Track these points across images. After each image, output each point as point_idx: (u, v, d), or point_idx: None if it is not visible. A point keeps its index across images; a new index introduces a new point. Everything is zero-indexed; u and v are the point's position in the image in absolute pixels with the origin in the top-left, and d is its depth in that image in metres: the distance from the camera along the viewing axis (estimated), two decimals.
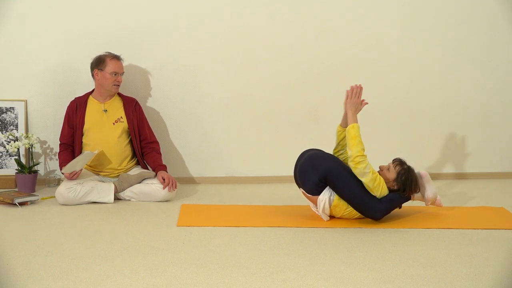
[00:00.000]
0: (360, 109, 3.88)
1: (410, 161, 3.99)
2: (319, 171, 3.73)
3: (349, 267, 3.04)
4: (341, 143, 4.02)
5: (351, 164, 3.72)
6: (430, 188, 3.98)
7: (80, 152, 4.48)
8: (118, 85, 4.48)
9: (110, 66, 4.43)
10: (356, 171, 3.70)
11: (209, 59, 4.95)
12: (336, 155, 4.05)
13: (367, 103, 3.91)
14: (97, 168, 4.49)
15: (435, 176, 5.03)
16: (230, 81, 5.00)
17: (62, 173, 4.33)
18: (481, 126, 5.22)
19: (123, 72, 4.51)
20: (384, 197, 3.77)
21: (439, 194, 4.32)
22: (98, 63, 4.45)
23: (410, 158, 4.04)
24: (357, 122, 3.80)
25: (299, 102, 5.06)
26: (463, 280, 2.89)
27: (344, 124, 3.95)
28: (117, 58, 4.48)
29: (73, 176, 4.28)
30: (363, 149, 3.73)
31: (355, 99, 3.85)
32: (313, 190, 3.80)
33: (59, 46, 4.81)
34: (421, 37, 5.07)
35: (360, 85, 3.89)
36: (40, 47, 4.80)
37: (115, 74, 4.44)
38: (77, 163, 4.28)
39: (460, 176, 5.23)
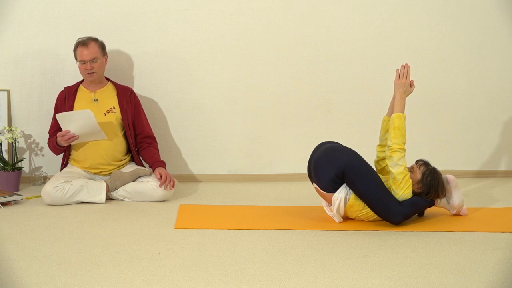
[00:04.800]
0: (410, 92, 3.94)
1: (431, 157, 3.97)
2: (337, 166, 3.73)
3: (364, 274, 3.05)
4: (386, 137, 3.99)
5: (387, 152, 3.79)
6: (457, 195, 3.98)
7: (70, 148, 4.49)
8: (91, 74, 4.46)
9: (77, 55, 4.45)
10: (389, 160, 3.77)
11: (210, 45, 4.95)
12: (380, 153, 4.04)
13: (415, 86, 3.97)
14: (87, 164, 4.50)
15: (459, 174, 5.02)
16: (234, 70, 5.00)
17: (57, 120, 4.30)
18: (510, 118, 5.21)
19: (95, 58, 4.44)
20: (406, 200, 3.78)
21: (464, 195, 4.31)
22: (74, 52, 4.48)
23: (431, 153, 4.01)
24: (404, 108, 3.87)
25: (309, 93, 5.05)
26: None
27: (390, 111, 3.98)
28: (84, 44, 4.43)
29: (69, 139, 4.29)
30: (404, 143, 3.80)
31: (403, 80, 3.91)
32: (328, 187, 3.80)
33: (44, 30, 4.81)
34: (444, 22, 5.06)
35: (407, 64, 3.95)
36: (23, 31, 4.80)
37: (83, 63, 4.45)
38: (74, 119, 4.26)
39: (486, 174, 5.23)
